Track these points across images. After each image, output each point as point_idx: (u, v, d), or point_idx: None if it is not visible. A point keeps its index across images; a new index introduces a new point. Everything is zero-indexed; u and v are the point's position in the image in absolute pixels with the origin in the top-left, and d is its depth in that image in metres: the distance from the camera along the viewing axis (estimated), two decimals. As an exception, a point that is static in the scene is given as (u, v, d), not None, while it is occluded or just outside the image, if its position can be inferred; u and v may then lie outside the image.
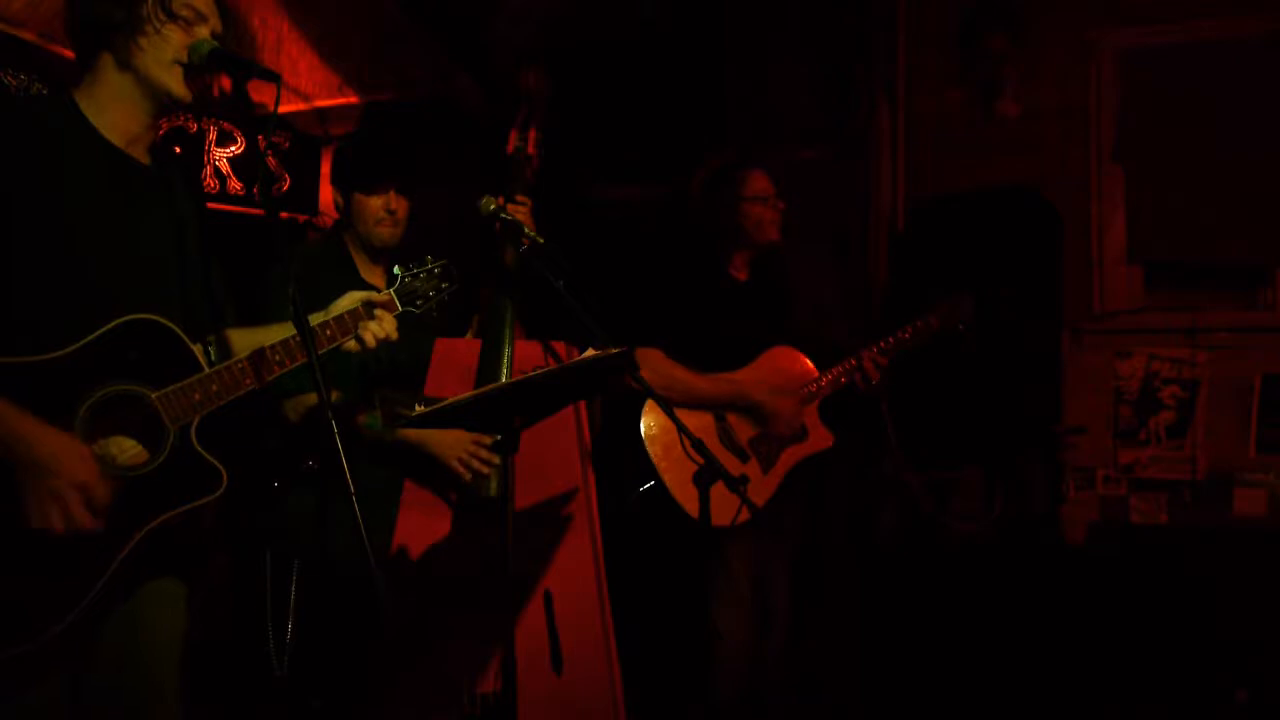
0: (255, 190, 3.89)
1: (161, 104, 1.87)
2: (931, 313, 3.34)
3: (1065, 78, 4.37)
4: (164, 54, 1.81)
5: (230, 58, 1.85)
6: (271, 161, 3.96)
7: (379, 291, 2.13)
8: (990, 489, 4.03)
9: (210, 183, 3.83)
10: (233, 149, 3.90)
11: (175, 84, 1.83)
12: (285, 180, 4.07)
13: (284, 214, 4.01)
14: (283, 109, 3.50)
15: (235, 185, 3.92)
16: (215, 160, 3.85)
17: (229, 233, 2.19)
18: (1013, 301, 3.96)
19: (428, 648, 2.43)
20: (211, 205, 3.58)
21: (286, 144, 4.07)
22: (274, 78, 1.87)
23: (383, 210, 2.71)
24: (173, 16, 1.82)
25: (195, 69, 1.84)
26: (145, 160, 1.90)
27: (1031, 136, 4.36)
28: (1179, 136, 4.24)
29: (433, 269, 2.20)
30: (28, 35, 2.95)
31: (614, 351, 1.96)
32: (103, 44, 1.82)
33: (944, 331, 3.33)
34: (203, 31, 1.86)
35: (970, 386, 4.02)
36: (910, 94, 4.53)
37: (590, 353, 2.02)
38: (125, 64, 1.81)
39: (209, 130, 3.81)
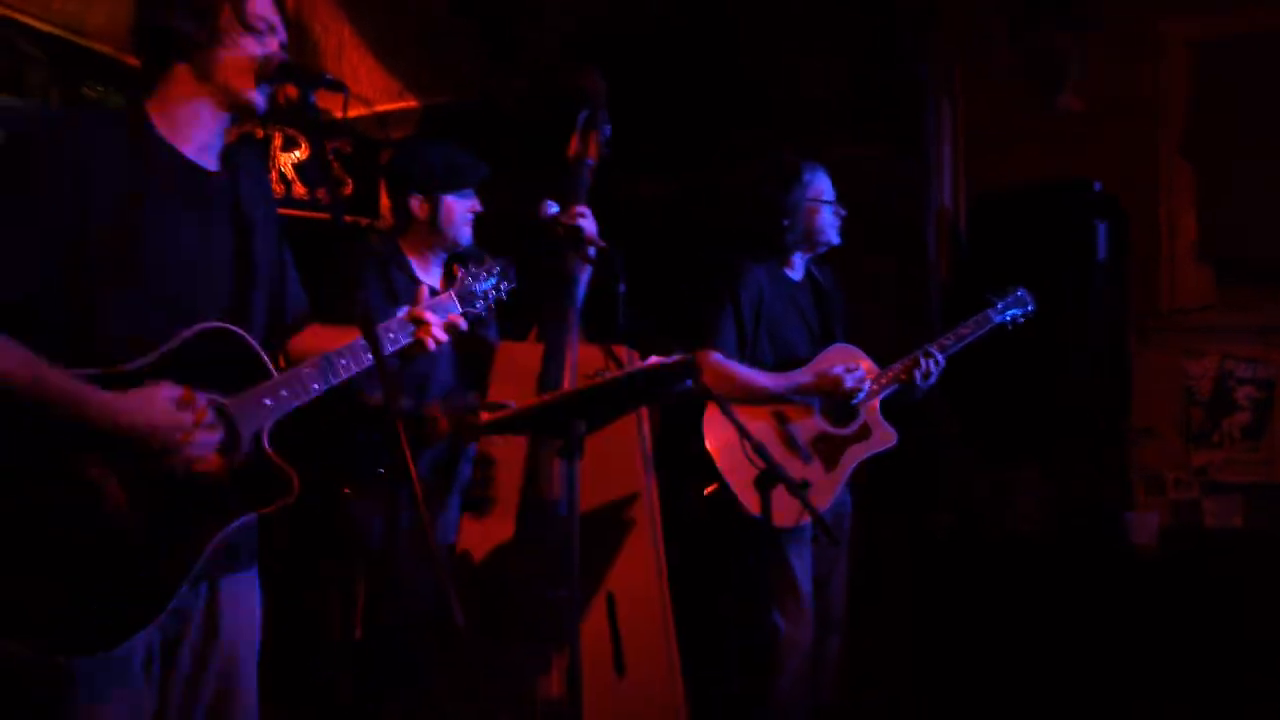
0: (320, 194, 3.95)
1: (236, 113, 1.91)
2: (990, 308, 3.31)
3: (1130, 70, 4.27)
4: (241, 65, 1.85)
5: (300, 70, 1.88)
6: (335, 166, 4.02)
7: (439, 293, 2.15)
8: (1054, 489, 3.96)
9: (276, 188, 3.90)
10: (297, 154, 3.97)
11: (253, 94, 1.87)
12: (348, 184, 4.14)
13: (347, 217, 4.07)
14: (343, 113, 3.54)
15: (300, 190, 3.99)
16: (280, 165, 3.93)
17: (294, 236, 2.23)
18: (1077, 299, 3.89)
19: (492, 651, 2.45)
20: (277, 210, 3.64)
21: (349, 149, 4.13)
22: (341, 88, 1.90)
23: (471, 211, 2.74)
24: (248, 28, 1.86)
25: (268, 80, 1.88)
26: (215, 168, 1.93)
27: (1095, 131, 4.28)
28: (1251, 129, 4.13)
29: (492, 268, 2.22)
30: (105, 48, 3.04)
31: (679, 359, 1.96)
32: (178, 56, 1.86)
33: (1003, 327, 3.30)
34: (273, 42, 1.90)
35: (1034, 385, 3.96)
36: (970, 88, 4.47)
37: (654, 359, 2.02)
38: (203, 76, 1.85)
39: (274, 136, 3.88)
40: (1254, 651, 3.48)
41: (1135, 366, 4.08)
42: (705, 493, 2.98)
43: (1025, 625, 3.68)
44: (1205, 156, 4.20)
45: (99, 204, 1.75)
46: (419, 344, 2.04)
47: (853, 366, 3.12)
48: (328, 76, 1.89)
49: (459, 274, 2.19)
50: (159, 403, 1.70)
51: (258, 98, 1.88)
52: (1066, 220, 3.97)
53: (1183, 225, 4.21)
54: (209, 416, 1.74)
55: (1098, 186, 3.99)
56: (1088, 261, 3.94)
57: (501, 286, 2.22)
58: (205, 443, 1.73)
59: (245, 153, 2.05)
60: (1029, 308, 3.35)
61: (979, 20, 4.48)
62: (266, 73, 1.86)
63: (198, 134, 1.88)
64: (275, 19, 1.91)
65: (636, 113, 3.98)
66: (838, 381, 3.09)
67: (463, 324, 2.08)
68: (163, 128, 1.86)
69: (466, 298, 2.16)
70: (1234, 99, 4.16)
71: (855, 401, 3.12)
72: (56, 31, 2.98)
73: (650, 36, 4.18)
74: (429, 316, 2.04)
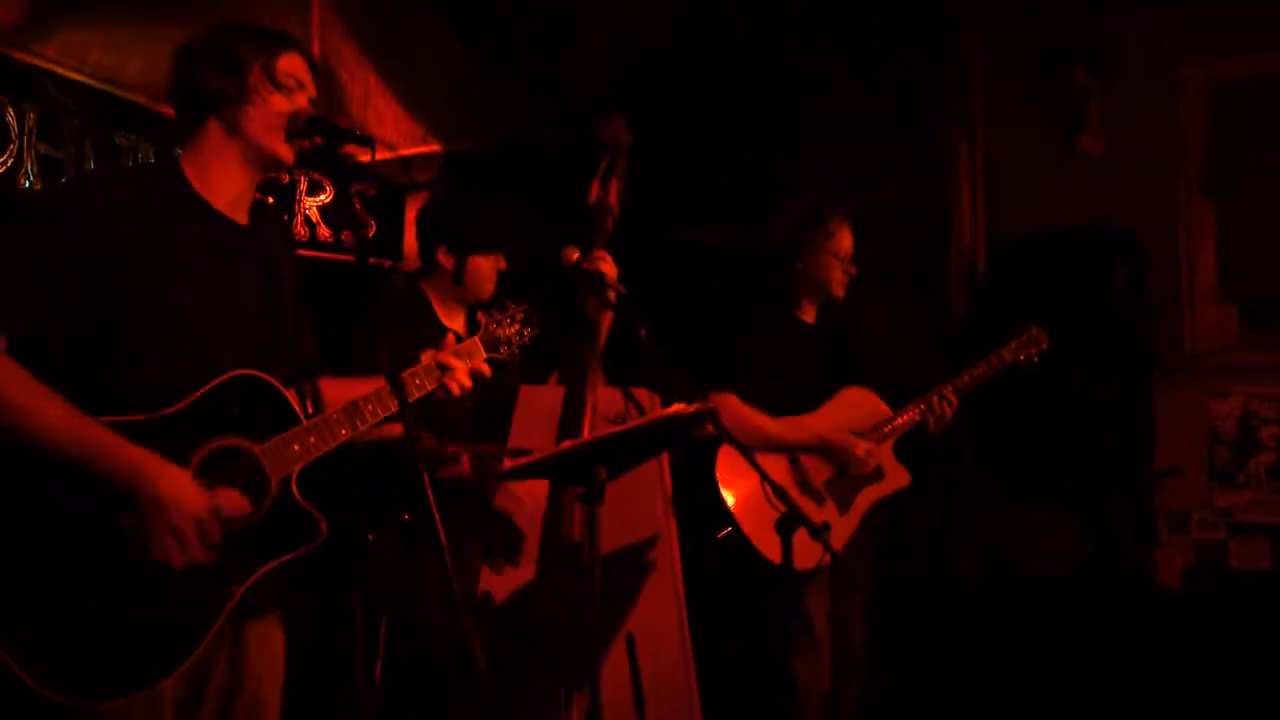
0: (344, 236, 4.01)
1: (265, 167, 1.96)
2: (1004, 347, 3.31)
3: (1151, 111, 4.29)
4: (270, 121, 1.90)
5: (329, 126, 1.93)
6: (359, 208, 4.08)
7: (463, 339, 2.19)
8: (1078, 530, 3.93)
9: (300, 231, 3.96)
10: (322, 198, 4.04)
11: (281, 149, 1.92)
12: (371, 226, 4.20)
13: (371, 259, 4.12)
14: (369, 158, 3.60)
15: (324, 232, 4.05)
16: (305, 209, 3.99)
17: (318, 278, 2.26)
18: (1099, 340, 3.89)
19: (514, 693, 2.45)
20: (302, 252, 3.70)
21: (372, 192, 4.19)
22: (368, 143, 1.95)
23: (496, 269, 2.77)
24: (278, 86, 1.91)
25: (296, 135, 1.93)
26: (244, 220, 1.98)
27: (1116, 172, 4.29)
28: (1270, 169, 4.13)
29: (514, 314, 2.26)
30: (138, 98, 3.12)
31: (700, 407, 1.98)
32: (210, 111, 1.91)
33: (1016, 365, 3.30)
34: (302, 99, 1.95)
35: (1058, 425, 3.95)
36: (989, 131, 4.50)
37: (677, 406, 2.04)
38: (233, 130, 1.90)
39: (300, 180, 3.95)
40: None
41: (1159, 407, 4.06)
42: (718, 536, 2.98)
43: (1045, 665, 3.64)
44: (1225, 197, 4.20)
45: (132, 255, 1.80)
46: (444, 390, 2.07)
47: (871, 450, 3.13)
48: (356, 133, 1.94)
49: (483, 320, 2.22)
50: (186, 499, 1.73)
51: (286, 153, 1.93)
52: (1086, 262, 3.98)
53: (1203, 266, 4.20)
54: (215, 538, 1.75)
55: (1117, 228, 4.00)
56: (1108, 303, 3.94)
57: (525, 332, 2.25)
58: (193, 554, 1.73)
59: (270, 199, 2.10)
60: (1043, 345, 3.34)
61: (999, 64, 4.52)
62: (295, 128, 1.92)
63: (228, 187, 1.94)
64: (305, 75, 1.96)
65: (674, 162, 4.06)
66: (851, 452, 3.11)
67: (487, 370, 2.11)
68: (195, 181, 1.92)
69: (491, 343, 2.19)
70: (1253, 140, 4.17)
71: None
72: (92, 82, 3.06)
73: (686, 86, 4.25)
74: (454, 362, 2.07)
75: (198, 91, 1.91)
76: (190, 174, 1.92)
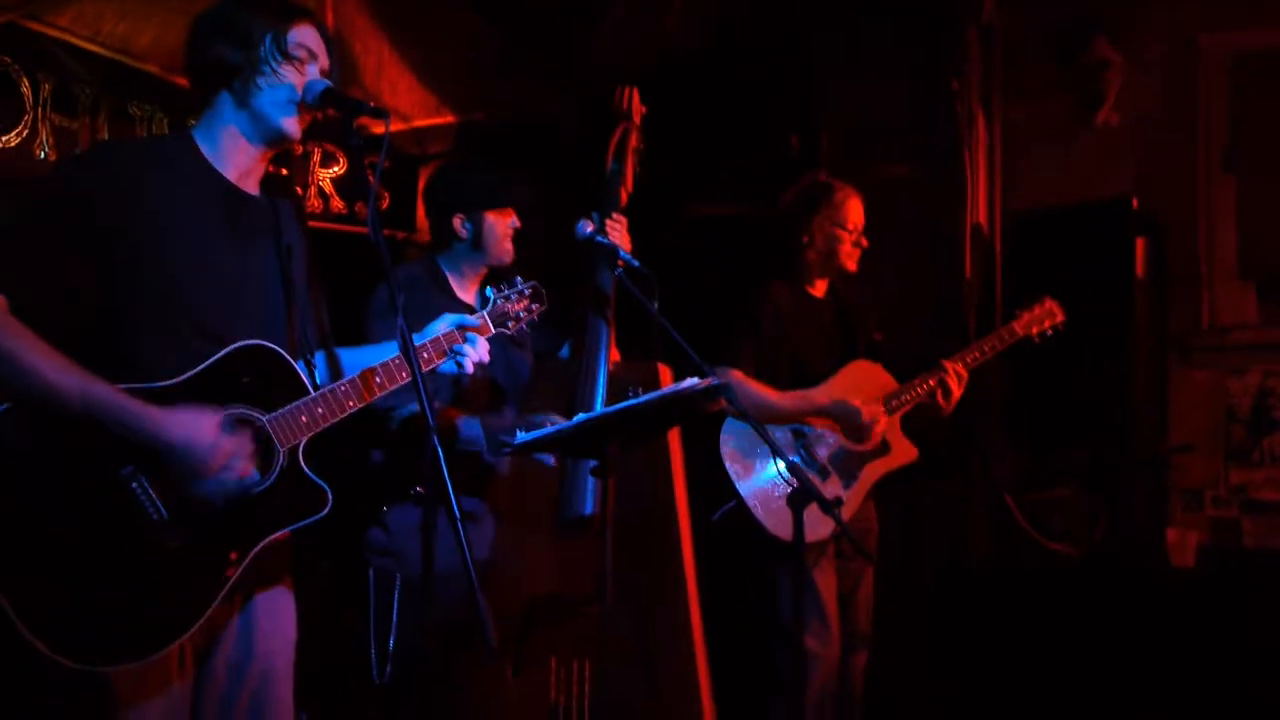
0: (358, 208, 4.01)
1: (275, 141, 1.95)
2: (1015, 320, 3.29)
3: (1170, 86, 4.25)
4: (280, 94, 1.89)
5: (341, 98, 1.92)
6: (372, 180, 4.07)
7: (474, 313, 2.19)
8: (1092, 510, 3.93)
9: (314, 203, 3.96)
10: (335, 169, 4.03)
11: (290, 123, 1.91)
12: (384, 199, 4.19)
13: (385, 231, 4.11)
14: (382, 130, 3.59)
15: (338, 204, 4.05)
16: (319, 181, 3.98)
17: (333, 250, 2.26)
18: (1116, 316, 3.87)
19: (525, 661, 2.48)
20: (315, 224, 3.69)
21: (386, 163, 4.18)
22: (383, 115, 1.94)
23: (512, 228, 2.76)
24: (288, 57, 1.90)
25: (308, 107, 1.92)
26: (255, 191, 1.98)
27: (1134, 147, 4.25)
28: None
29: (523, 290, 2.26)
30: (151, 68, 3.11)
31: (712, 382, 1.98)
32: (221, 84, 1.91)
33: (1029, 339, 3.27)
34: (314, 70, 1.94)
35: (1072, 402, 3.93)
36: (1007, 105, 4.46)
37: (690, 380, 2.04)
38: (243, 103, 1.90)
39: (313, 152, 3.93)
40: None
41: (1174, 384, 4.05)
42: (722, 510, 2.99)
43: (1058, 642, 3.64)
44: (1246, 172, 4.16)
45: (143, 225, 1.80)
46: (459, 366, 2.08)
47: (876, 414, 3.10)
48: (369, 105, 1.93)
49: (492, 296, 2.22)
50: (204, 424, 1.74)
51: (295, 126, 1.92)
52: (1104, 237, 3.95)
53: (1222, 242, 4.16)
54: (249, 446, 1.77)
55: (1136, 204, 3.96)
56: (1126, 279, 3.91)
57: (534, 308, 2.25)
58: (242, 470, 1.77)
59: (284, 171, 2.09)
60: (1057, 320, 3.30)
61: (1019, 36, 4.47)
62: (307, 101, 1.91)
63: (240, 159, 1.93)
64: (318, 46, 1.95)
65: (693, 136, 4.03)
66: (856, 416, 3.08)
67: (487, 359, 2.11)
68: (208, 153, 1.92)
69: (499, 319, 2.20)
70: (1274, 113, 4.11)
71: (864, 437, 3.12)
72: (105, 53, 3.05)
73: (702, 61, 4.21)
74: (465, 338, 2.08)
75: (209, 64, 1.90)
76: (203, 145, 1.92)
